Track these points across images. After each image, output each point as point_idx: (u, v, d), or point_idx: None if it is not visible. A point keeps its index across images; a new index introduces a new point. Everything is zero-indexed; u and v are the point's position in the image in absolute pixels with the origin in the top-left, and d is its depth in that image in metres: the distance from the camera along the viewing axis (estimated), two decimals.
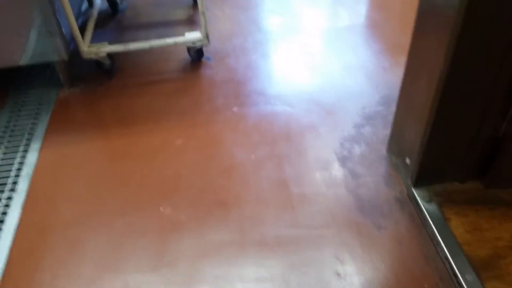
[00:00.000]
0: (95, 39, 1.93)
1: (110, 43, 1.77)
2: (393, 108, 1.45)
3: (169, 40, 1.79)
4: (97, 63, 1.83)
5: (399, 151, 1.28)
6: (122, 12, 2.27)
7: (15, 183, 1.43)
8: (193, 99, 1.71)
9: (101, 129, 1.62)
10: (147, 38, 2.03)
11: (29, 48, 1.61)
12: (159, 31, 2.10)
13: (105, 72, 1.85)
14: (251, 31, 2.09)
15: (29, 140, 1.58)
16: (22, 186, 1.42)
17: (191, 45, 1.83)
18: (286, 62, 1.88)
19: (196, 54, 1.88)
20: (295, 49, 1.95)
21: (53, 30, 1.58)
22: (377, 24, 2.09)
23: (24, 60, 1.64)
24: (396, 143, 1.30)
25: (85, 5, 2.21)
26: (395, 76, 1.70)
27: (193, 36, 1.80)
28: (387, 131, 1.41)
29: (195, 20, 2.17)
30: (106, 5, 2.27)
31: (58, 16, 1.60)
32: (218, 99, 1.70)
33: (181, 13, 2.24)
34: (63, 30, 1.64)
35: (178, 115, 1.65)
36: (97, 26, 2.05)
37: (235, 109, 1.65)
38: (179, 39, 1.79)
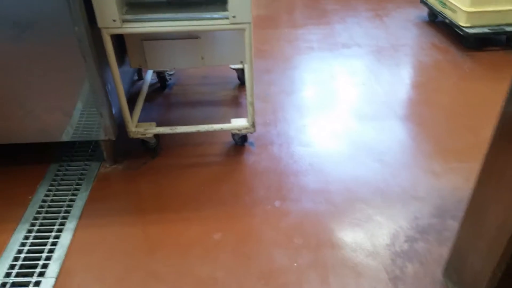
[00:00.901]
0: (142, 114, 1.95)
1: (157, 119, 1.78)
2: (449, 222, 1.35)
3: (216, 126, 1.78)
4: (142, 141, 1.83)
5: (460, 281, 1.16)
6: (170, 87, 2.32)
7: (45, 266, 1.38)
8: (233, 188, 1.67)
9: (138, 213, 1.57)
10: (193, 118, 2.05)
11: (77, 125, 1.63)
12: (205, 111, 2.12)
13: (149, 150, 1.85)
14: (294, 117, 2.07)
15: (65, 218, 1.55)
16: (52, 270, 1.36)
17: (236, 131, 1.82)
18: (329, 153, 1.83)
19: (240, 140, 1.87)
20: (338, 140, 1.91)
21: (104, 111, 1.60)
22: (424, 120, 2.03)
23: (70, 136, 1.66)
24: (455, 271, 1.19)
25: (135, 76, 2.28)
26: (449, 185, 1.61)
27: (239, 123, 1.79)
28: (442, 250, 1.30)
29: (240, 102, 2.18)
30: (154, 77, 2.33)
31: (110, 97, 1.63)
32: (259, 190, 1.65)
33: (227, 93, 2.27)
34: (113, 110, 1.66)
35: (216, 204, 1.59)
36: (145, 99, 2.09)
37: (276, 203, 1.58)
38: (225, 126, 1.79)
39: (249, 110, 1.74)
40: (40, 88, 1.53)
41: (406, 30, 2.93)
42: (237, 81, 2.36)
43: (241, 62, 1.95)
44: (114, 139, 1.69)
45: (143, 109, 2.02)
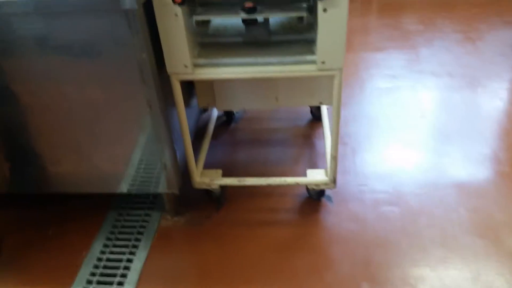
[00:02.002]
0: (206, 155, 1.76)
1: (222, 161, 1.59)
2: None
3: (290, 180, 1.55)
4: (206, 191, 1.64)
5: None
6: (237, 121, 2.12)
7: None
8: (309, 260, 1.42)
9: (201, 281, 1.38)
10: (262, 161, 1.83)
11: (138, 177, 1.46)
12: (275, 153, 1.89)
13: (213, 201, 1.65)
14: (379, 164, 1.79)
15: (121, 284, 1.38)
16: None
17: (314, 187, 1.57)
18: (427, 215, 1.54)
19: (317, 195, 1.62)
20: (437, 199, 1.61)
21: (168, 163, 1.42)
22: None
23: (131, 188, 1.49)
24: None
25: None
26: None
27: (317, 177, 1.55)
28: None
29: (314, 143, 1.94)
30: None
31: (175, 146, 1.45)
32: (342, 264, 1.39)
33: (298, 130, 2.03)
34: (177, 157, 1.48)
35: (289, 280, 1.35)
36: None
37: (364, 286, 1.32)
38: (300, 180, 1.55)
39: (330, 165, 1.49)
40: (100, 135, 1.38)
41: (505, 57, 2.54)
42: (309, 116, 2.11)
43: (320, 103, 1.70)
44: (177, 193, 1.51)
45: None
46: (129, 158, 1.42)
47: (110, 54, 1.20)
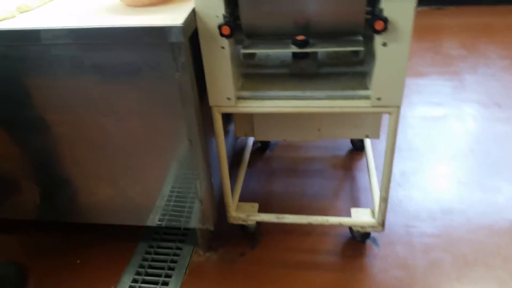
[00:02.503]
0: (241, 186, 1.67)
1: (258, 193, 1.49)
2: None
3: (332, 220, 1.44)
4: (241, 226, 1.55)
5: None
6: (272, 147, 2.03)
7: None
8: None
9: None
10: (300, 194, 1.73)
11: (172, 210, 1.39)
12: (313, 184, 1.79)
13: (248, 236, 1.56)
14: (427, 203, 1.66)
15: None
16: None
17: (358, 229, 1.46)
18: (477, 271, 1.40)
19: (361, 236, 1.51)
20: (496, 247, 1.47)
21: (205, 199, 1.34)
22: None
23: (163, 221, 1.42)
24: None
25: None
26: None
27: (362, 219, 1.43)
28: None
29: (355, 177, 1.82)
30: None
31: (212, 182, 1.37)
32: None
33: (338, 160, 1.92)
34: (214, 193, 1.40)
35: None
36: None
37: None
38: (344, 221, 1.44)
39: (379, 207, 1.38)
40: (136, 167, 1.31)
41: None
42: (349, 145, 2.00)
43: (367, 136, 1.60)
44: (212, 229, 1.42)
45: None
46: (163, 191, 1.35)
47: (151, 86, 1.13)
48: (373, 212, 1.45)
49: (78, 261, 1.53)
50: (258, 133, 1.59)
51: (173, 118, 1.18)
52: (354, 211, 1.48)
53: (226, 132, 1.63)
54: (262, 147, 2.03)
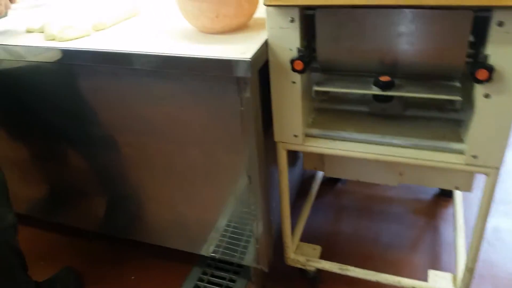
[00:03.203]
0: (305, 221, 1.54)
1: (321, 232, 1.36)
2: None
3: (405, 282, 1.25)
4: (300, 269, 1.42)
5: None
6: (344, 181, 1.87)
7: None
8: None
9: None
10: (370, 242, 1.56)
11: (227, 244, 1.31)
12: (387, 231, 1.60)
13: (306, 280, 1.43)
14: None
15: None
16: None
17: None
18: None
19: None
20: None
21: (261, 238, 1.24)
22: None
23: (216, 253, 1.34)
24: None
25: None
26: None
27: (441, 286, 1.23)
28: None
29: (438, 227, 1.60)
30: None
31: (271, 219, 1.26)
32: None
33: (420, 205, 1.70)
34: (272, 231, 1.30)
35: None
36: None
37: None
38: (419, 285, 1.25)
39: (463, 275, 1.17)
40: (194, 195, 1.25)
41: None
42: (435, 188, 1.77)
43: (456, 188, 1.38)
44: (266, 271, 1.32)
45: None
46: (219, 223, 1.28)
47: (214, 117, 1.06)
48: (455, 279, 1.24)
49: (133, 278, 1.52)
50: (328, 169, 1.45)
51: (233, 152, 1.10)
52: (432, 274, 1.27)
53: (293, 161, 1.52)
54: (333, 178, 1.88)
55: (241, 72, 0.92)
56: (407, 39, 0.89)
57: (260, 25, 1.09)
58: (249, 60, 0.91)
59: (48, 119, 1.29)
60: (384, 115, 1.13)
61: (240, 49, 0.95)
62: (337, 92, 1.22)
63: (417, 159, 1.03)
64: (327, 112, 1.18)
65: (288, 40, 0.97)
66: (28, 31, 1.20)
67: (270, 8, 0.93)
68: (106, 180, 1.37)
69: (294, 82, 1.02)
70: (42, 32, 1.16)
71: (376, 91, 0.96)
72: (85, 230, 1.60)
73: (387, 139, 1.06)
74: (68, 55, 1.07)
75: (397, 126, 1.09)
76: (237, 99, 0.99)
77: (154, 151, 1.20)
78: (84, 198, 1.46)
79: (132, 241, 1.56)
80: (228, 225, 1.26)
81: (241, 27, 1.07)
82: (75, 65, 1.11)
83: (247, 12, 1.03)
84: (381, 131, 1.08)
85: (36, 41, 1.12)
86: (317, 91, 1.04)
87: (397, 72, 0.97)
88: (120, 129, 1.20)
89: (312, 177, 1.75)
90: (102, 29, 1.17)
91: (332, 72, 1.05)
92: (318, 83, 1.03)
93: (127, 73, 1.07)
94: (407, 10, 0.85)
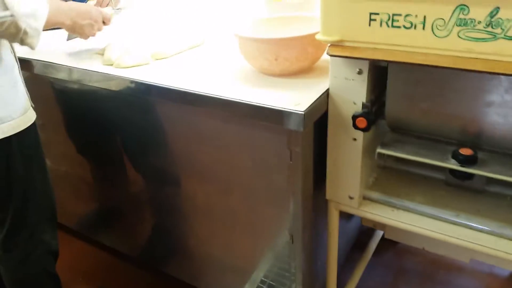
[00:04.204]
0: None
1: None
2: None
3: None
4: None
5: None
6: None
7: None
8: None
9: None
10: None
11: None
12: None
13: None
14: None
15: None
16: None
17: None
18: None
19: None
20: None
21: None
22: None
23: None
24: None
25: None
26: None
27: None
28: None
29: None
30: None
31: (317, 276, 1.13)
32: None
33: (493, 282, 1.46)
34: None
35: None
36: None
37: None
38: None
39: None
40: (233, 244, 1.16)
41: None
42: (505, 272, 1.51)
43: None
44: None
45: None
46: (255, 275, 1.16)
47: (260, 166, 0.96)
48: None
49: None
50: (389, 232, 1.28)
51: (277, 206, 0.98)
52: None
53: (348, 217, 1.37)
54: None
55: (293, 125, 0.81)
56: (498, 110, 0.73)
57: (325, 69, 0.98)
58: (302, 114, 0.79)
59: (107, 141, 1.28)
60: (462, 186, 0.95)
61: (296, 98, 0.85)
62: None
63: (496, 249, 0.85)
64: (392, 172, 1.03)
65: (352, 93, 0.84)
66: (96, 53, 1.19)
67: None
68: (153, 209, 1.32)
69: (355, 139, 0.89)
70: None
71: (454, 165, 0.80)
72: (125, 254, 1.57)
73: (462, 219, 0.88)
74: (120, 84, 1.04)
75: (476, 203, 0.91)
76: (287, 152, 0.88)
77: (197, 189, 1.13)
78: (130, 223, 1.43)
79: (170, 275, 1.51)
80: (264, 280, 1.15)
81: (304, 71, 0.96)
82: (133, 96, 1.07)
83: (310, 57, 0.92)
84: (455, 207, 0.91)
85: (93, 64, 1.11)
86: (381, 154, 0.90)
87: (481, 144, 0.81)
88: (167, 164, 1.15)
89: (371, 229, 1.58)
90: (162, 58, 1.13)
91: (402, 132, 0.91)
92: (384, 144, 0.89)
93: (174, 108, 1.02)
94: (503, 78, 0.69)
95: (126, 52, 1.11)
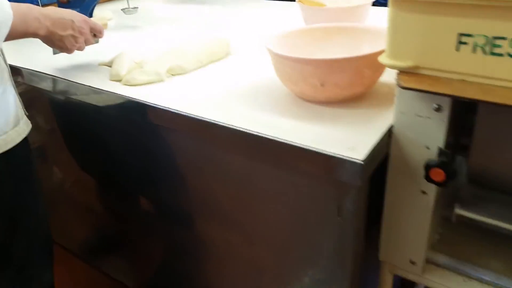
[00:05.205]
0: None
1: None
2: None
3: None
4: None
5: None
6: None
7: None
8: None
9: None
10: None
11: None
12: None
13: None
14: None
15: None
16: None
17: None
18: None
19: None
20: None
21: None
22: None
23: None
24: None
25: None
26: None
27: None
28: None
29: None
30: None
31: None
32: None
33: None
34: None
35: None
36: None
37: None
38: None
39: None
40: None
41: None
42: None
43: None
44: None
45: None
46: None
47: (298, 217, 0.76)
48: None
49: None
50: None
51: (316, 266, 0.79)
52: None
53: None
54: None
55: (345, 176, 0.61)
56: None
57: (383, 95, 0.77)
58: (360, 163, 0.59)
59: (111, 162, 1.11)
60: None
61: (350, 138, 0.64)
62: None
63: None
64: (463, 226, 0.82)
65: (426, 135, 0.63)
66: (100, 64, 1.01)
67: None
68: (162, 245, 1.15)
69: (424, 193, 0.68)
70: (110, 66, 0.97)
71: None
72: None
73: None
74: (127, 106, 0.86)
75: None
76: (334, 206, 0.68)
77: (213, 234, 0.94)
78: (136, 255, 1.26)
79: None
80: None
81: (356, 97, 0.76)
82: (150, 124, 0.89)
83: (367, 82, 0.72)
84: None
85: (99, 78, 0.93)
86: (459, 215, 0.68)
87: None
88: (179, 199, 0.97)
89: None
90: (179, 74, 0.94)
91: (484, 184, 0.69)
92: (462, 202, 0.67)
93: (189, 136, 0.83)
94: None
95: (138, 66, 0.93)
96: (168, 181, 0.97)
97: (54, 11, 0.83)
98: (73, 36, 0.86)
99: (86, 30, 0.88)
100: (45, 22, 0.80)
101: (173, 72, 0.93)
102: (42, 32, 0.80)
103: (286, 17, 1.35)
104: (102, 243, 1.39)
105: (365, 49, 0.82)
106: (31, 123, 0.88)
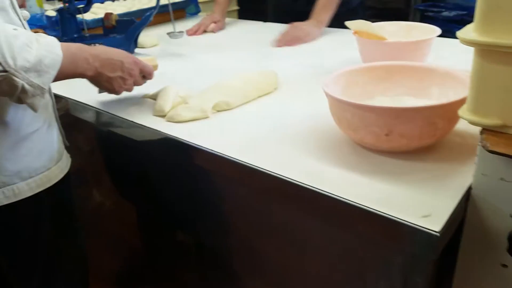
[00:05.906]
0: None
1: None
2: None
3: None
4: None
5: None
6: None
7: None
8: None
9: None
10: None
11: None
12: None
13: None
14: None
15: None
16: None
17: None
18: None
19: None
20: None
21: None
22: None
23: None
24: None
25: None
26: None
27: None
28: None
29: None
30: None
31: None
32: None
33: None
34: None
35: None
36: None
37: None
38: None
39: None
40: None
41: None
42: None
43: None
44: None
45: None
46: None
47: (352, 284, 0.68)
48: None
49: None
50: None
51: None
52: None
53: None
54: None
55: (417, 248, 0.53)
56: None
57: (456, 146, 0.68)
58: (436, 235, 0.51)
59: (152, 196, 1.07)
60: None
61: (422, 201, 0.56)
62: None
63: None
64: None
65: (511, 201, 0.55)
66: (145, 97, 0.98)
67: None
68: None
69: (505, 266, 0.59)
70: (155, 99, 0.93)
71: None
72: None
73: None
74: (169, 144, 0.81)
75: None
76: (400, 278, 0.60)
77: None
78: None
79: None
80: None
81: (424, 149, 0.68)
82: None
83: (439, 133, 0.63)
84: None
85: (141, 114, 0.89)
86: None
87: None
88: (221, 247, 0.91)
89: None
90: (226, 110, 0.89)
91: None
92: None
93: (232, 181, 0.77)
94: None
95: (183, 100, 0.89)
96: (209, 222, 0.91)
97: (104, 51, 0.80)
98: (122, 78, 0.83)
99: (136, 72, 0.85)
100: (94, 63, 0.76)
101: (219, 108, 0.88)
102: (90, 73, 0.77)
103: (338, 46, 1.28)
104: (132, 274, 1.35)
105: (434, 93, 0.74)
106: (72, 143, 0.86)
